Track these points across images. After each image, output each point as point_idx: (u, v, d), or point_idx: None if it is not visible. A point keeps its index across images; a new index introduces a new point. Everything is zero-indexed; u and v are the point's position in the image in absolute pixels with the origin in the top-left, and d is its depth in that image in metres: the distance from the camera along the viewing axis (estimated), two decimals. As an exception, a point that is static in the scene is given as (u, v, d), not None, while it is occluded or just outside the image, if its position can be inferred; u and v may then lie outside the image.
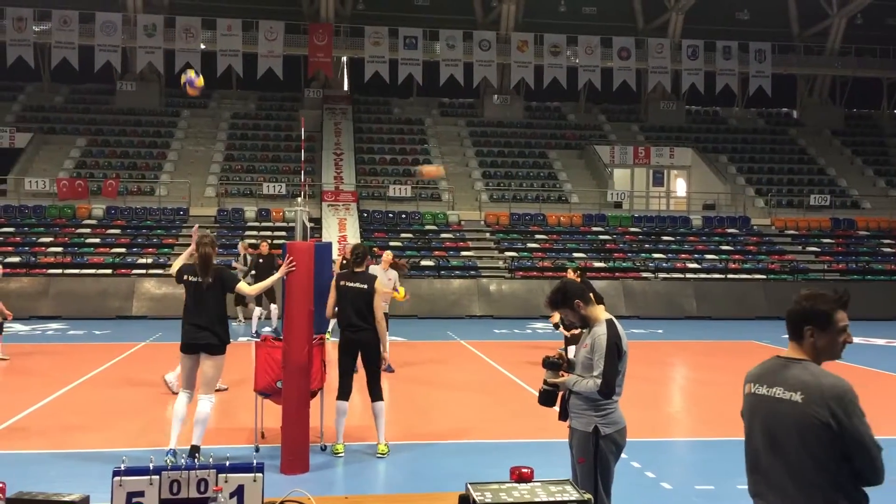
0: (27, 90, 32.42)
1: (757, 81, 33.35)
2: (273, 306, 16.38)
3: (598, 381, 4.32)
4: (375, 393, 7.51)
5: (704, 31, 33.28)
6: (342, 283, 7.52)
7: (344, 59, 34.17)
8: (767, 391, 3.18)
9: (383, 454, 7.43)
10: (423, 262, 23.51)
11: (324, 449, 7.61)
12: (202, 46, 30.80)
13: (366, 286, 7.49)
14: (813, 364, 3.09)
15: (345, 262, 14.12)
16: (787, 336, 3.25)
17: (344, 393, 7.49)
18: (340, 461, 7.35)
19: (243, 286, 7.48)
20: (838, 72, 34.73)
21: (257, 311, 16.26)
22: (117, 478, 2.95)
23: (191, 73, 7.64)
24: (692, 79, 33.07)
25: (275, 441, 7.33)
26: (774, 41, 33.66)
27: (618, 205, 29.17)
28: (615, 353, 4.35)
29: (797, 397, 3.02)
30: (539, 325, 19.84)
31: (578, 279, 14.92)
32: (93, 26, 29.87)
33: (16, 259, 21.47)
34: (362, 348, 7.48)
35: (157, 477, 2.97)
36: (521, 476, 3.57)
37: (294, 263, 6.91)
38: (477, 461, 7.49)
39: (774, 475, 3.10)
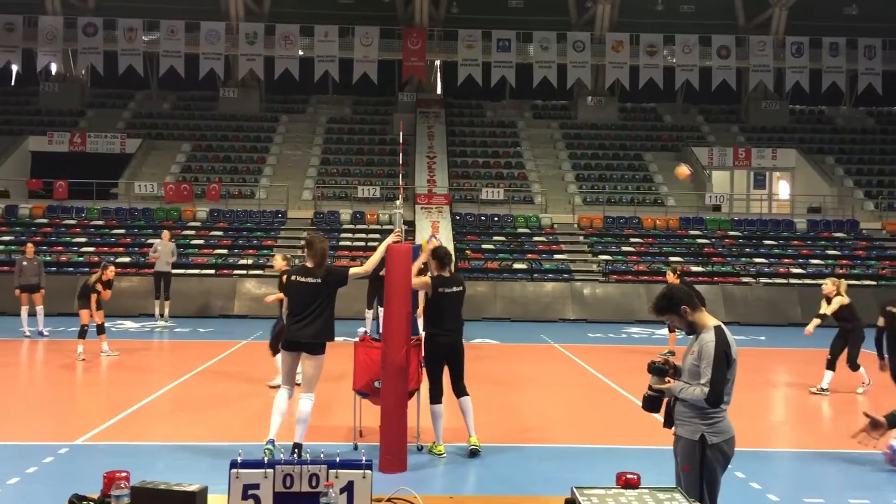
0: (137, 98, 33.96)
1: (866, 79, 31.87)
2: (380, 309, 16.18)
3: (706, 389, 4.20)
4: (461, 389, 7.59)
5: (810, 28, 32.01)
6: (440, 289, 7.52)
7: (437, 62, 34.42)
8: None
9: (476, 446, 7.47)
10: (516, 266, 23.43)
11: (420, 449, 7.68)
12: (300, 53, 31.59)
13: (461, 288, 7.55)
14: None
15: (423, 266, 14.07)
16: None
17: (438, 396, 7.55)
18: (436, 461, 7.41)
19: (355, 269, 7.42)
20: (955, 68, 32.86)
21: (369, 313, 16.15)
22: (234, 470, 3.04)
23: None
24: (796, 77, 31.86)
25: (373, 440, 7.43)
26: (885, 37, 32.07)
27: (716, 208, 28.37)
28: (724, 360, 4.23)
29: None
30: (634, 329, 19.49)
31: (678, 281, 14.64)
32: (197, 35, 31.06)
33: (126, 259, 22.49)
34: (454, 350, 7.53)
35: (272, 470, 3.05)
36: (627, 482, 3.51)
37: (399, 234, 7.18)
38: (574, 466, 7.42)
39: None
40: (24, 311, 15.97)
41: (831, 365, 11.45)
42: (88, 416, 9.07)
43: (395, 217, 7.93)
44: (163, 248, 18.58)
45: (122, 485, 3.14)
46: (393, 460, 6.93)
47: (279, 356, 10.01)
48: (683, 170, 9.22)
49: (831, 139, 32.93)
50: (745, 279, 23.17)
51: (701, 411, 4.28)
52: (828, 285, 11.82)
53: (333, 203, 27.63)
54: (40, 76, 32.64)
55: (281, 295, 9.47)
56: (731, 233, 26.34)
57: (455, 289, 7.55)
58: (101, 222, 25.62)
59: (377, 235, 24.27)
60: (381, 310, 15.59)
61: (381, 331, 7.49)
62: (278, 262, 11.28)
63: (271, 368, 10.77)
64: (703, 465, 4.30)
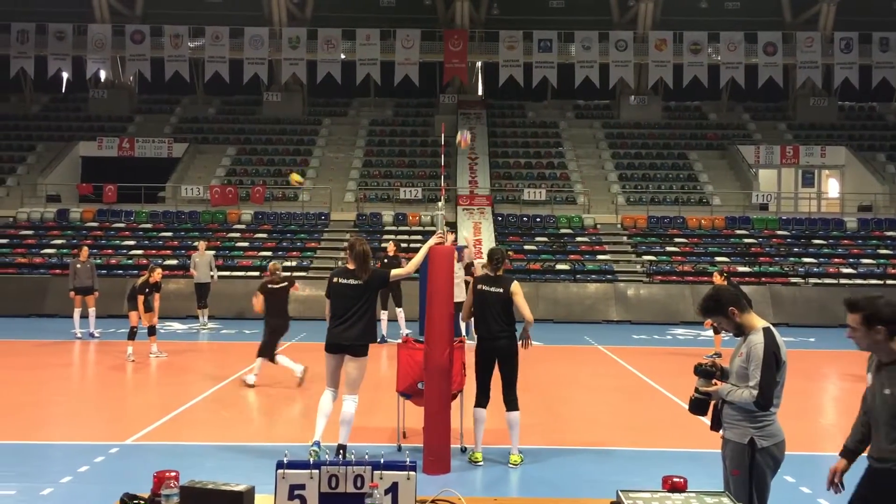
0: (183, 103, 34.54)
1: (919, 74, 31.10)
2: (399, 310, 16.34)
3: (755, 392, 4.13)
4: (511, 402, 7.32)
5: (859, 23, 31.30)
6: (480, 286, 7.37)
7: (478, 64, 34.40)
8: None
9: (516, 465, 7.29)
10: (559, 266, 23.30)
11: (464, 451, 7.65)
12: (342, 56, 31.85)
13: (500, 290, 7.33)
14: None
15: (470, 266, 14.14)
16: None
17: (480, 400, 7.37)
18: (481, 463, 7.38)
19: (396, 270, 7.49)
20: None
21: (384, 314, 16.27)
22: (280, 470, 3.08)
23: None
24: (845, 73, 31.20)
25: (416, 441, 7.44)
26: (938, 30, 31.29)
27: (763, 207, 27.88)
28: (773, 362, 4.15)
29: None
30: (680, 331, 19.25)
31: (724, 283, 14.38)
32: (242, 41, 31.51)
33: (173, 262, 22.86)
34: (502, 355, 7.32)
35: (317, 471, 3.08)
36: (674, 486, 3.47)
37: (442, 236, 7.17)
38: (619, 469, 7.35)
39: None
40: (77, 312, 16.34)
41: None
42: (138, 417, 9.23)
43: (438, 218, 7.92)
44: (200, 260, 18.61)
45: (172, 484, 3.19)
46: (437, 462, 6.94)
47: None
48: (464, 138, 8.61)
49: (882, 136, 32.18)
50: (793, 280, 22.74)
51: (750, 414, 4.21)
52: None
53: (376, 205, 27.79)
54: (90, 83, 33.39)
55: None
56: (779, 232, 25.89)
57: (493, 289, 7.30)
58: (149, 225, 26.10)
59: (419, 237, 24.33)
60: (398, 311, 15.95)
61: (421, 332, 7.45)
62: None
63: (315, 369, 10.83)
64: (752, 468, 4.23)
